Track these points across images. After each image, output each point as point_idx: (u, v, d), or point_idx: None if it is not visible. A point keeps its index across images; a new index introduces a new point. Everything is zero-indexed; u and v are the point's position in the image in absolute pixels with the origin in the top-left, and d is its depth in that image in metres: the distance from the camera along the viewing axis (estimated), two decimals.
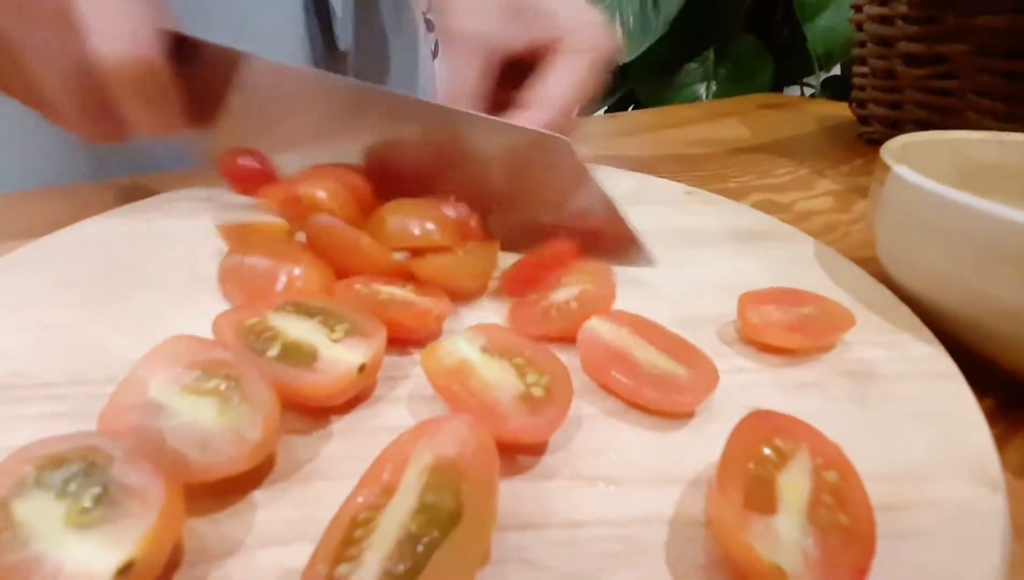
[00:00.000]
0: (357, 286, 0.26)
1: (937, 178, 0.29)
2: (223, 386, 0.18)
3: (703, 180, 0.66)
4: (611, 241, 0.31)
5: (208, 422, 0.17)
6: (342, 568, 0.14)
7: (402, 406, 0.23)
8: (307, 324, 0.22)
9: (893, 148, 0.35)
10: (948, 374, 0.25)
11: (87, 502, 0.15)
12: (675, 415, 0.22)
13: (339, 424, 0.22)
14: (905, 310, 0.29)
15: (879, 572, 0.15)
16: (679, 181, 0.57)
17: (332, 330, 0.22)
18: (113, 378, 0.23)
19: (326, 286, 0.28)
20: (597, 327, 0.24)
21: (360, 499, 0.16)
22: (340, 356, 0.21)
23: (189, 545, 0.17)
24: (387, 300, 0.25)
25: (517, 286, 0.28)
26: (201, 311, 0.28)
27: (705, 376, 0.21)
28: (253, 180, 0.36)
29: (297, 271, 0.28)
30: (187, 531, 0.17)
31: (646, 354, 0.23)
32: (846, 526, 0.15)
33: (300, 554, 0.15)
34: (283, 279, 0.28)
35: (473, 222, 0.29)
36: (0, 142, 0.48)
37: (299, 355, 0.21)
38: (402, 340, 0.24)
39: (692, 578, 0.16)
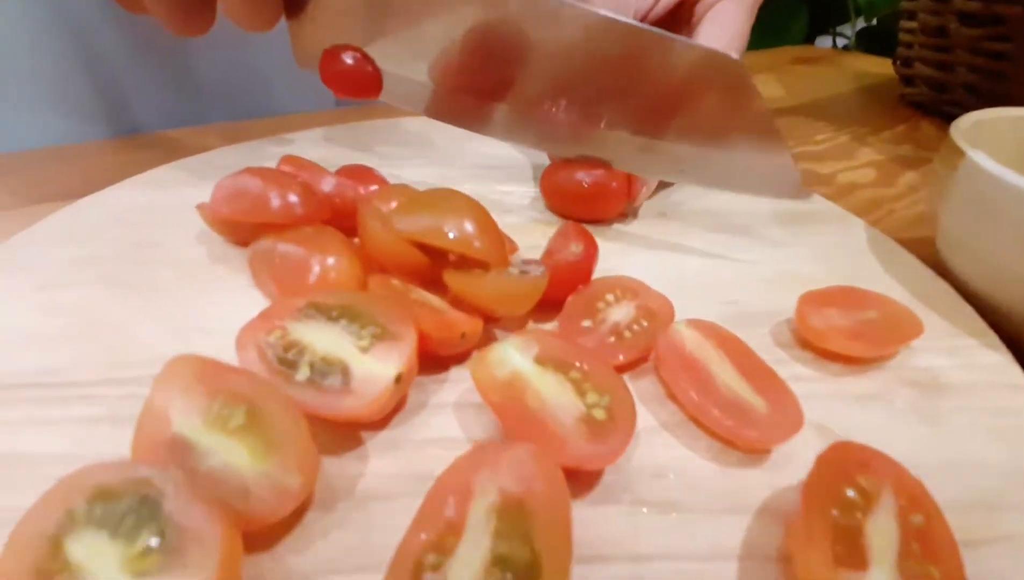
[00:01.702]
0: (393, 282, 0.24)
1: (998, 158, 0.27)
2: (251, 424, 0.17)
3: None
4: (766, 170, 0.29)
5: (244, 467, 0.16)
6: None
7: (448, 414, 0.22)
8: (332, 331, 0.21)
9: (964, 127, 0.32)
10: (1019, 386, 0.24)
11: (145, 545, 0.14)
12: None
13: (384, 434, 0.21)
14: (969, 311, 0.28)
15: None
16: None
17: (360, 336, 0.21)
18: (146, 378, 0.23)
19: (360, 278, 0.27)
20: (683, 332, 0.23)
21: (423, 536, 0.15)
22: (373, 370, 0.20)
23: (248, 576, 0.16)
24: (416, 301, 0.23)
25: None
26: (228, 300, 0.27)
27: (787, 417, 0.20)
28: (358, 83, 0.33)
29: (331, 261, 0.27)
30: (248, 564, 0.16)
31: (725, 374, 0.21)
32: (936, 579, 0.15)
33: None
34: (316, 270, 0.26)
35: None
36: (19, 98, 0.46)
37: (330, 374, 0.19)
38: (428, 353, 0.23)
39: None
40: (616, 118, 0.31)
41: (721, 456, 0.20)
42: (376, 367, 0.20)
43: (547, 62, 0.30)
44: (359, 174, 0.34)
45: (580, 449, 0.18)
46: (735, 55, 0.32)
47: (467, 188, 0.27)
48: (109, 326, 0.25)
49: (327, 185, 0.31)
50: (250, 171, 0.29)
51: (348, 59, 0.32)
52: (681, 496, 0.19)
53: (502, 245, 0.25)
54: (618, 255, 0.32)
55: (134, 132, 0.50)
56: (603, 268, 0.29)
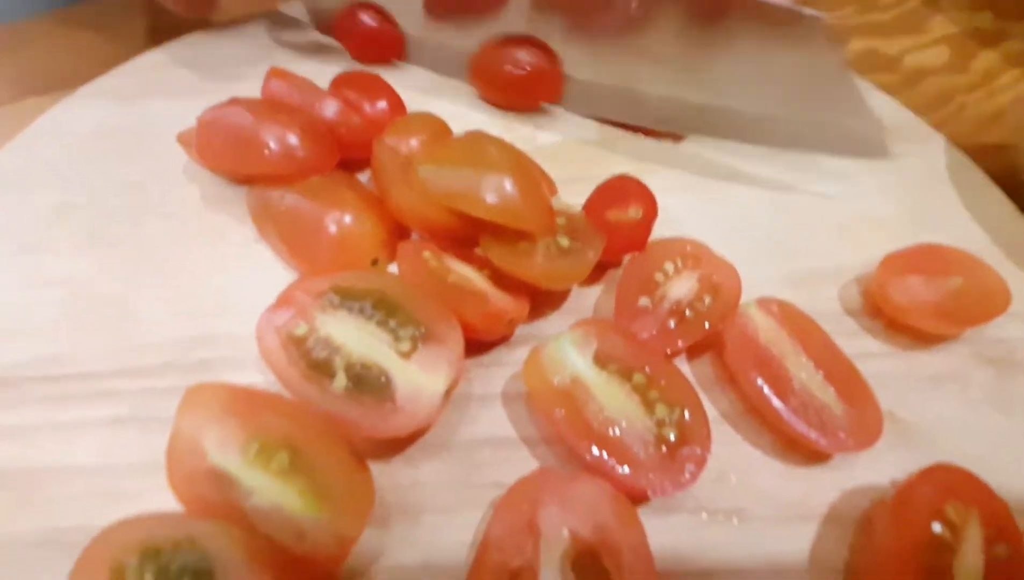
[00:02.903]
0: (425, 254, 0.21)
1: None
2: (296, 466, 0.16)
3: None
4: (846, 128, 0.26)
5: (295, 509, 0.15)
6: None
7: (496, 407, 0.20)
8: (368, 329, 0.19)
9: None
10: None
11: None
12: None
13: (431, 434, 0.20)
14: None
15: None
16: None
17: (399, 337, 0.19)
18: (160, 368, 0.21)
19: (385, 240, 0.24)
20: (755, 316, 0.21)
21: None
22: (419, 382, 0.18)
23: None
24: (456, 285, 0.21)
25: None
26: (236, 262, 0.24)
27: (866, 425, 0.19)
28: (377, 45, 0.31)
29: (348, 219, 0.23)
30: None
31: (801, 369, 0.20)
32: None
33: None
34: (332, 229, 0.23)
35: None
36: None
37: (370, 385, 0.18)
38: (470, 338, 0.20)
39: None
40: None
41: (786, 454, 0.20)
42: (422, 378, 0.18)
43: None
44: (362, 86, 0.29)
45: (653, 480, 0.17)
46: None
47: None
48: (107, 301, 0.23)
49: (329, 110, 0.26)
50: (235, 103, 0.24)
51: (368, 19, 0.29)
52: (746, 503, 0.18)
53: (549, 210, 0.22)
54: (667, 190, 0.28)
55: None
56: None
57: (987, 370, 0.22)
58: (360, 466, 0.17)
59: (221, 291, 0.23)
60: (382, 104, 0.28)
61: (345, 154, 0.26)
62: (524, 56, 0.29)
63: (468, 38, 0.30)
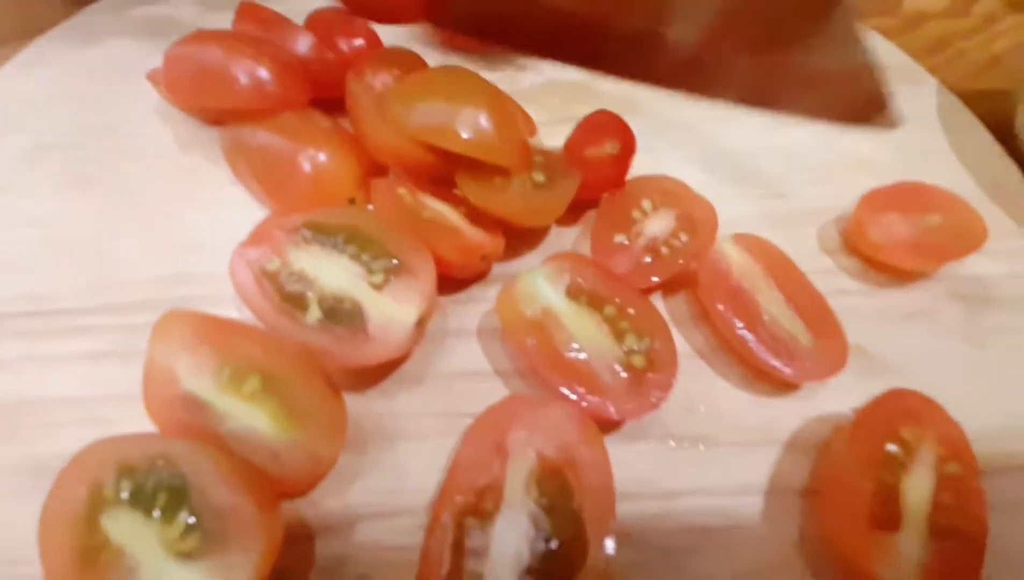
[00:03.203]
0: (400, 191, 0.21)
1: None
2: (268, 390, 0.16)
3: None
4: (854, 94, 0.24)
5: (269, 433, 0.16)
6: None
7: (471, 341, 0.21)
8: (340, 262, 0.19)
9: None
10: None
11: (182, 527, 0.14)
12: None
13: (407, 366, 0.20)
14: None
15: None
16: None
17: (371, 269, 0.19)
18: (138, 305, 0.21)
19: (361, 179, 0.23)
20: (729, 252, 0.21)
21: (459, 499, 0.15)
22: (391, 312, 0.18)
23: (289, 523, 0.17)
24: (430, 221, 0.20)
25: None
26: (210, 202, 0.24)
27: (831, 356, 0.19)
28: (391, 5, 0.25)
29: (322, 157, 0.23)
30: (286, 509, 0.17)
31: (772, 303, 0.20)
32: (963, 529, 0.15)
33: (401, 528, 0.16)
34: (306, 167, 0.23)
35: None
36: None
37: (343, 317, 0.18)
38: (445, 274, 0.20)
39: (786, 555, 0.17)
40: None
41: (755, 386, 0.20)
42: (394, 309, 0.18)
43: None
44: (338, 25, 0.28)
45: (619, 405, 0.17)
46: None
47: None
48: (85, 241, 0.23)
49: (302, 46, 0.26)
50: (202, 36, 0.24)
51: None
52: (712, 430, 0.19)
53: (525, 146, 0.21)
54: (649, 129, 0.27)
55: None
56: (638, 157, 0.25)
57: (959, 306, 0.22)
58: (333, 392, 0.17)
59: (197, 230, 0.23)
60: (358, 41, 0.27)
61: (321, 93, 0.25)
62: None
63: None
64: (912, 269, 0.23)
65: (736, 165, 0.26)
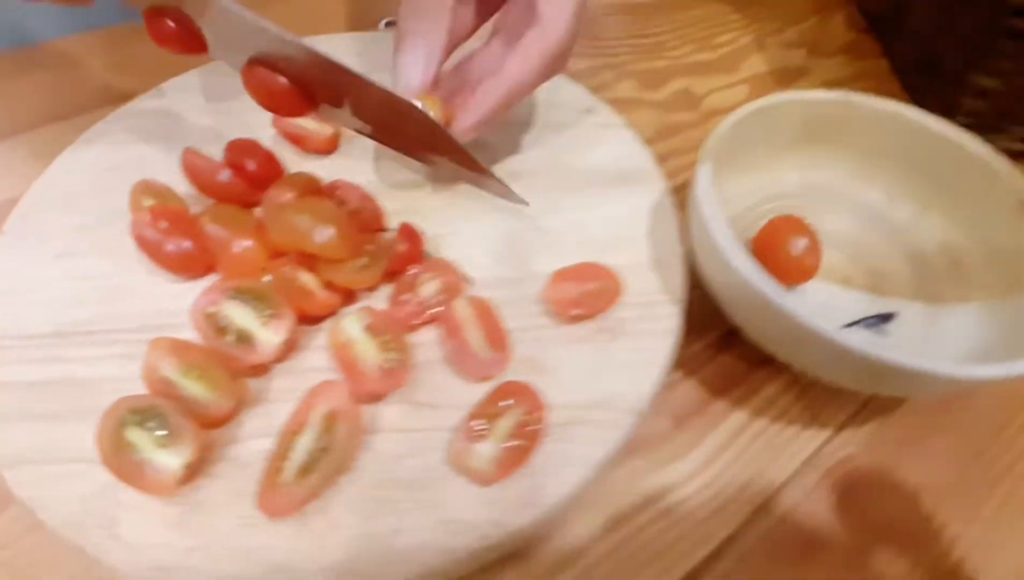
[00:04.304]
0: (285, 269, 0.39)
1: (783, 135, 0.39)
2: (204, 376, 0.34)
3: (641, 51, 0.63)
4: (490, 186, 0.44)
5: (202, 395, 0.33)
6: (283, 464, 0.32)
7: (320, 353, 0.38)
8: (246, 310, 0.36)
9: (734, 122, 0.42)
10: (670, 331, 0.39)
11: (162, 434, 0.32)
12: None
13: (284, 365, 0.38)
14: (676, 275, 0.42)
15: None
16: (619, 46, 0.60)
17: (261, 316, 0.36)
18: (149, 328, 0.39)
19: (270, 257, 0.41)
20: (458, 307, 0.38)
21: (291, 425, 0.33)
22: (267, 338, 0.36)
23: (210, 437, 0.34)
24: (300, 288, 0.38)
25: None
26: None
27: (501, 361, 0.37)
28: (181, 44, 0.35)
29: (248, 244, 0.41)
30: (209, 433, 0.34)
31: (474, 334, 0.37)
32: (525, 444, 0.33)
33: (268, 444, 0.33)
34: (238, 247, 0.40)
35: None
36: None
37: (244, 339, 0.35)
38: (308, 316, 0.38)
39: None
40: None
41: (464, 377, 0.37)
42: (270, 336, 0.36)
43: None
44: (246, 152, 0.45)
45: (373, 383, 0.35)
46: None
47: None
48: (115, 289, 0.41)
49: (224, 176, 0.44)
50: (143, 221, 0.41)
51: (169, 22, 0.34)
52: (430, 399, 0.36)
53: (355, 244, 0.39)
54: (462, 217, 0.44)
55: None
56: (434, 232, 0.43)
57: (603, 335, 0.40)
58: (236, 377, 0.35)
59: (184, 289, 0.41)
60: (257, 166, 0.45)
61: (241, 201, 0.43)
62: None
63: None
64: (578, 316, 0.40)
65: (496, 242, 0.44)
